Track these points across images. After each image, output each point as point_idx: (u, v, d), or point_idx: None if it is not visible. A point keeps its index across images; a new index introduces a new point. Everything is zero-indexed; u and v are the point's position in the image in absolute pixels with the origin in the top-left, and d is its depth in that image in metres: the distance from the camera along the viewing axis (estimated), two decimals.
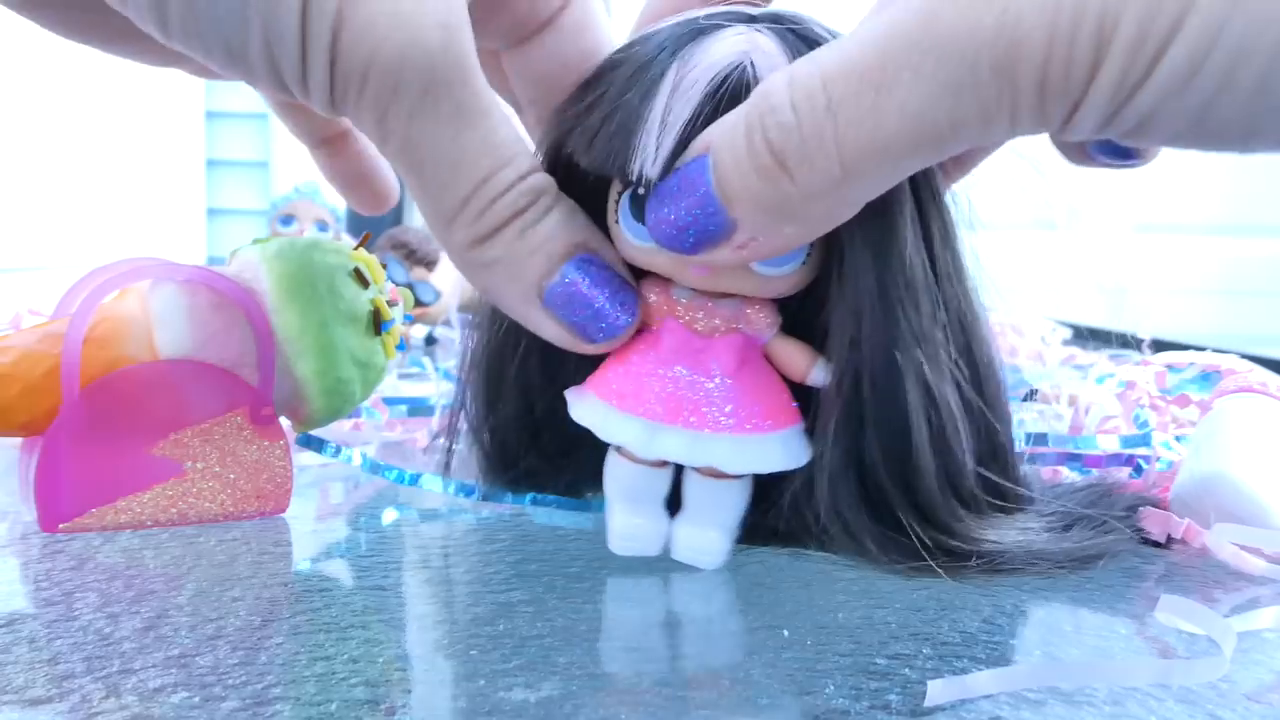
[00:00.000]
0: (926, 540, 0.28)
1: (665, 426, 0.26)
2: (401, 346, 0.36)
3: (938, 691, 0.20)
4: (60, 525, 0.30)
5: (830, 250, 0.27)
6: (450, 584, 0.26)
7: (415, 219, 1.38)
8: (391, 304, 0.35)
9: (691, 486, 0.28)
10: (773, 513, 0.29)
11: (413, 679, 0.20)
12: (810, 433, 0.28)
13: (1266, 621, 0.25)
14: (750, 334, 0.27)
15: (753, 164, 0.22)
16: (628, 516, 0.28)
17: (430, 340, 0.85)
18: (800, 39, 0.25)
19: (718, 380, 0.27)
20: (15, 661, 0.21)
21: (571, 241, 0.26)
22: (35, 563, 0.28)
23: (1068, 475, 0.38)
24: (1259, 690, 0.22)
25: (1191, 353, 0.49)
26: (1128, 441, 0.40)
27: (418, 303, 0.88)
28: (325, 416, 0.34)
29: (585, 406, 0.28)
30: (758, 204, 0.22)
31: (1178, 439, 0.41)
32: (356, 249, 0.36)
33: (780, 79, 0.22)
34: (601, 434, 0.27)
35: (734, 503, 0.28)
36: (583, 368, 0.28)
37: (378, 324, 0.34)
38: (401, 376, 0.63)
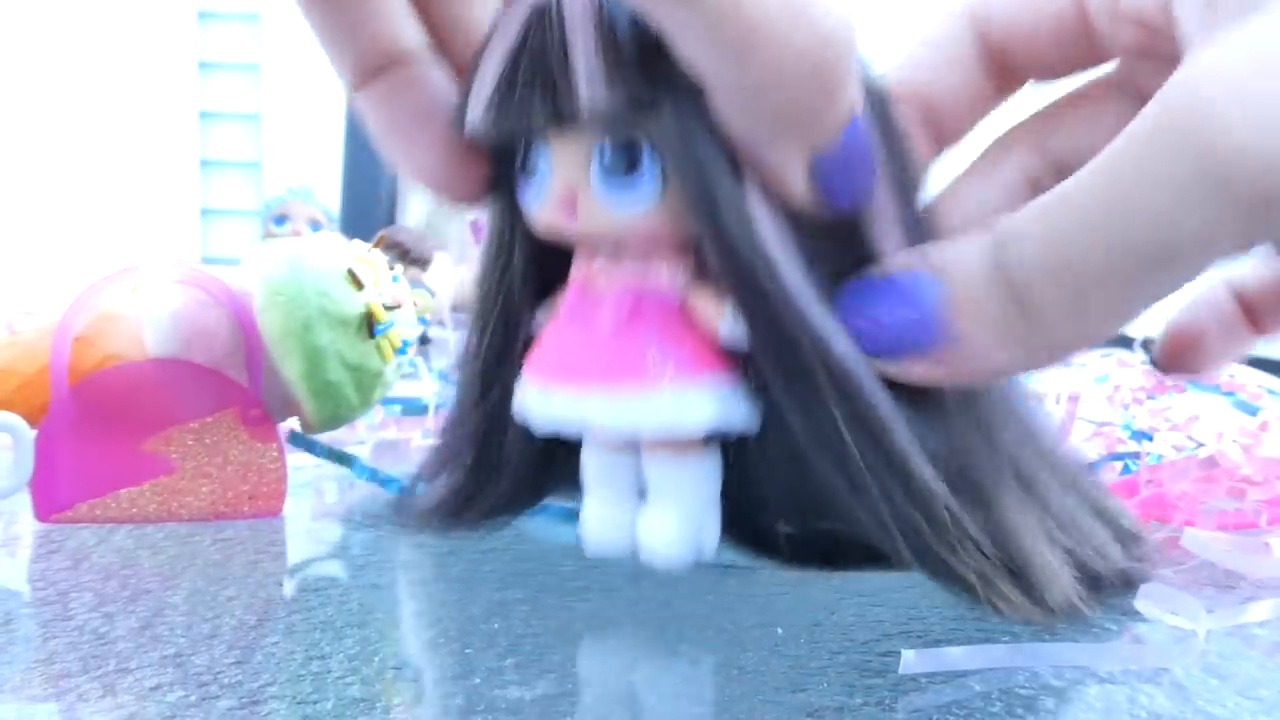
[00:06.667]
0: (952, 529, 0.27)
1: (557, 388, 0.24)
2: (403, 350, 0.36)
3: (912, 661, 0.21)
4: (54, 515, 0.30)
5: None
6: (445, 582, 0.27)
7: (409, 218, 1.38)
8: (390, 307, 0.35)
9: (647, 468, 0.25)
10: (770, 515, 0.27)
11: (408, 677, 0.21)
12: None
13: (1255, 615, 0.25)
14: (652, 286, 0.24)
15: (999, 308, 0.21)
16: (595, 505, 0.26)
17: (424, 340, 0.85)
18: None
19: (612, 333, 0.23)
20: (11, 661, 0.21)
21: None
22: (31, 562, 0.28)
23: None
24: (1248, 686, 0.22)
25: None
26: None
27: None
28: (322, 419, 0.34)
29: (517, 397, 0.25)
30: (994, 332, 0.22)
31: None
32: (373, 249, 0.36)
33: (1009, 228, 0.21)
34: (515, 415, 0.25)
35: (692, 481, 0.25)
36: None
37: (370, 326, 0.34)
38: None
